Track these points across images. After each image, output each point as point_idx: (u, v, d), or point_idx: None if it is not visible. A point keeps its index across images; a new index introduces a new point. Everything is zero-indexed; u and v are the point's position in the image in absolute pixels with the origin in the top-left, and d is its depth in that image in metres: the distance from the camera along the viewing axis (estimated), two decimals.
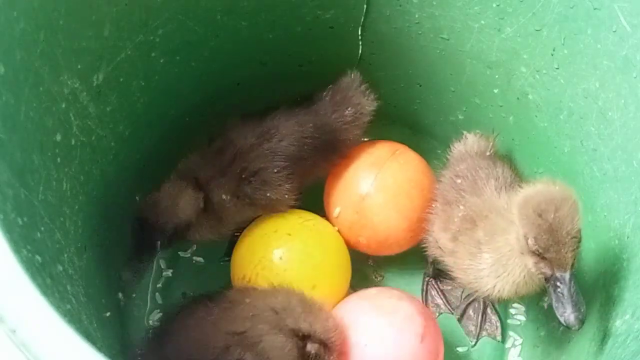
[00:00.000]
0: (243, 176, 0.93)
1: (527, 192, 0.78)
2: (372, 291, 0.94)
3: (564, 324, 0.74)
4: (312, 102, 1.00)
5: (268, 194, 0.94)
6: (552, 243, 0.74)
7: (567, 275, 0.74)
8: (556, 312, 0.75)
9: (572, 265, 0.75)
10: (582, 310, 0.74)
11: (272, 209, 0.97)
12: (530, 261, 0.77)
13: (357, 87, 1.01)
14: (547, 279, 0.76)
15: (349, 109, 1.00)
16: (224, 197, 0.93)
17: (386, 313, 0.89)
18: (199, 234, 0.96)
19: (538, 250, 0.75)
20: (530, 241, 0.75)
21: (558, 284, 0.75)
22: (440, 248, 0.93)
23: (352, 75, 1.02)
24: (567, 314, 0.74)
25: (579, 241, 0.75)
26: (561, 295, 0.74)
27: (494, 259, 0.83)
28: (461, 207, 0.90)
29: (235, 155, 0.94)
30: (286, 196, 0.95)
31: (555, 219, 0.74)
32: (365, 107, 1.01)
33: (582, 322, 0.74)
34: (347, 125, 1.00)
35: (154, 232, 0.89)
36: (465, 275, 0.87)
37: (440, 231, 0.92)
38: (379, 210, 0.98)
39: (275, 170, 0.94)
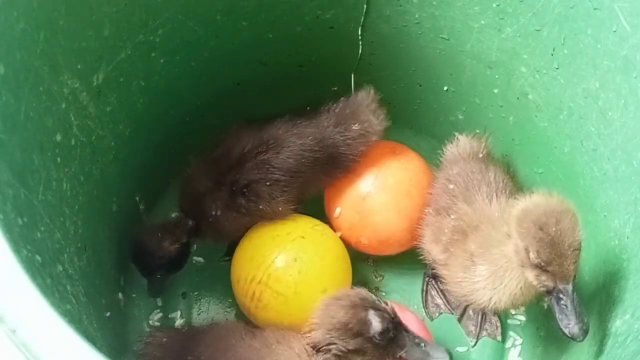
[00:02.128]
0: (234, 188, 0.93)
1: (525, 205, 0.78)
2: None
3: (569, 336, 0.75)
4: (317, 113, 0.98)
5: (261, 207, 0.94)
6: (555, 256, 0.74)
7: (569, 287, 0.75)
8: (560, 323, 0.75)
9: (574, 277, 0.75)
10: (586, 320, 0.75)
11: (269, 219, 0.96)
12: (531, 274, 0.77)
13: (369, 103, 0.99)
14: (549, 292, 0.76)
15: (356, 124, 0.97)
16: (213, 213, 0.93)
17: None
18: (205, 240, 0.98)
19: (540, 264, 0.75)
20: (532, 254, 0.75)
21: (561, 295, 0.75)
22: (433, 259, 0.93)
23: (368, 91, 1.00)
24: (571, 325, 0.74)
25: (580, 252, 0.75)
26: (564, 307, 0.75)
27: (490, 271, 0.83)
28: (452, 217, 0.90)
29: (230, 166, 0.93)
30: (280, 209, 0.94)
31: (557, 232, 0.74)
32: (373, 125, 0.98)
33: (586, 332, 0.74)
34: (350, 141, 0.97)
35: (147, 269, 0.96)
36: (460, 288, 0.87)
37: (431, 242, 0.92)
38: (379, 210, 0.98)
39: (268, 184, 0.93)
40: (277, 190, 0.94)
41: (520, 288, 0.81)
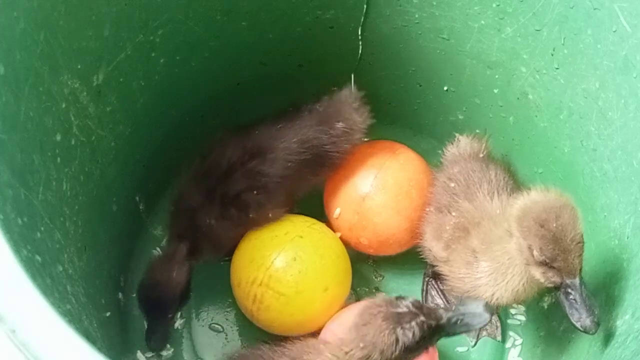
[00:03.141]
0: (225, 200, 0.93)
1: (523, 203, 0.78)
2: (351, 317, 0.92)
3: (581, 330, 0.75)
4: (298, 114, 0.98)
5: (250, 215, 0.94)
6: (559, 252, 0.74)
7: (577, 281, 0.75)
8: (571, 318, 0.75)
9: (580, 270, 0.75)
10: (597, 312, 0.75)
11: (262, 225, 0.96)
12: (537, 272, 0.77)
13: (352, 102, 0.99)
14: (557, 287, 0.76)
15: (340, 123, 0.97)
16: (207, 222, 0.93)
17: None
18: (202, 261, 0.98)
19: (545, 261, 0.75)
20: (536, 252, 0.75)
21: (569, 290, 0.75)
22: (434, 256, 0.93)
23: (350, 89, 1.00)
24: (582, 319, 0.74)
25: (583, 245, 0.75)
26: (574, 301, 0.75)
27: (493, 267, 0.83)
28: (453, 214, 0.90)
29: (218, 179, 0.93)
30: (270, 215, 0.95)
31: (558, 227, 0.74)
32: (357, 123, 0.98)
33: (598, 325, 0.75)
34: (335, 139, 0.97)
35: (163, 308, 0.93)
36: (462, 284, 0.87)
37: (432, 240, 0.92)
38: (379, 210, 0.98)
39: (255, 192, 0.93)
40: (265, 198, 0.94)
41: (523, 284, 0.81)
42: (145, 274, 0.95)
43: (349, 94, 0.99)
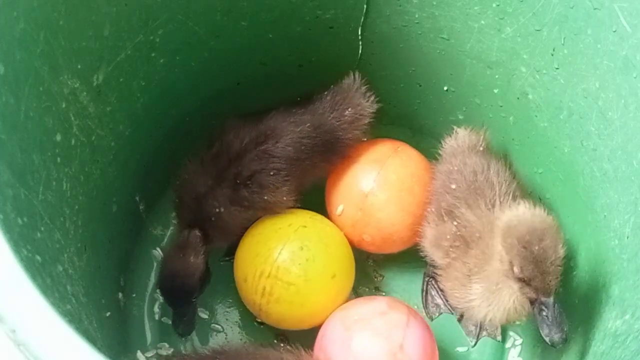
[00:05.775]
0: (238, 181, 0.93)
1: (509, 219, 0.80)
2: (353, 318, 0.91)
3: (549, 343, 0.78)
4: (310, 102, 1.00)
5: (265, 197, 0.94)
6: (537, 273, 0.77)
7: (550, 301, 0.78)
8: (541, 332, 0.79)
9: (556, 290, 0.78)
10: (565, 329, 0.78)
11: (271, 211, 0.96)
12: (514, 285, 0.80)
13: (357, 88, 1.01)
14: (532, 302, 0.80)
15: (349, 109, 1.00)
16: (217, 210, 0.94)
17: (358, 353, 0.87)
18: (213, 246, 0.98)
19: (523, 279, 0.78)
20: (516, 269, 0.78)
21: (542, 307, 0.78)
22: (434, 261, 0.94)
23: (354, 76, 1.02)
24: (551, 334, 0.78)
25: (562, 267, 0.78)
26: (546, 317, 0.78)
27: (484, 287, 0.85)
28: (454, 224, 0.91)
29: (231, 160, 0.94)
30: (284, 198, 0.95)
31: (540, 250, 0.76)
32: (365, 108, 1.01)
33: (565, 340, 0.78)
34: (346, 126, 0.99)
35: (187, 295, 0.93)
36: (456, 301, 0.90)
37: (432, 247, 0.93)
38: (382, 207, 0.99)
39: (272, 173, 0.94)
40: (280, 180, 0.94)
41: (514, 302, 0.83)
42: (162, 266, 0.95)
43: (353, 81, 1.01)
